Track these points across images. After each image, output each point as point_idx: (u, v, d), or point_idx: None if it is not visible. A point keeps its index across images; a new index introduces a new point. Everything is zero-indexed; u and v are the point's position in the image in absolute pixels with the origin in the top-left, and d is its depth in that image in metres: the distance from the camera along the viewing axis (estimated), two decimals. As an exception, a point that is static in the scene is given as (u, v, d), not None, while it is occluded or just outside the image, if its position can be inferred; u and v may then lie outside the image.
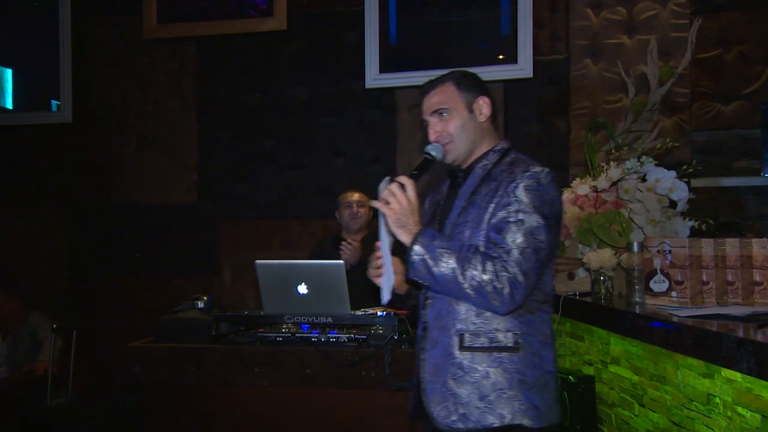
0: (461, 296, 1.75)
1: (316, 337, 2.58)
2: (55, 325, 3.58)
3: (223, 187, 4.12)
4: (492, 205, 1.77)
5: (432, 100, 1.88)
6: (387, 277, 1.95)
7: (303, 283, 2.55)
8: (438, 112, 1.86)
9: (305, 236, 3.91)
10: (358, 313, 2.65)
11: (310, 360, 2.57)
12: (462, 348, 1.78)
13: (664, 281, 2.49)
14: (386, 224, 1.81)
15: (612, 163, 3.02)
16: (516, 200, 1.73)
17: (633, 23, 3.61)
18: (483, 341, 1.78)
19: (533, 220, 1.71)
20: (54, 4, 4.21)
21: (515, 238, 1.69)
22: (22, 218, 4.39)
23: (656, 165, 2.97)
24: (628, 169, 2.97)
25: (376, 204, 1.78)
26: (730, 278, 2.44)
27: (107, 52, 4.27)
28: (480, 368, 1.76)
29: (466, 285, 1.67)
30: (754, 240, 2.44)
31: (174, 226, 4.17)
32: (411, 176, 1.78)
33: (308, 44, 4.03)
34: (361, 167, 3.94)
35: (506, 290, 1.65)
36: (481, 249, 1.73)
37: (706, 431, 2.03)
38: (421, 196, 1.93)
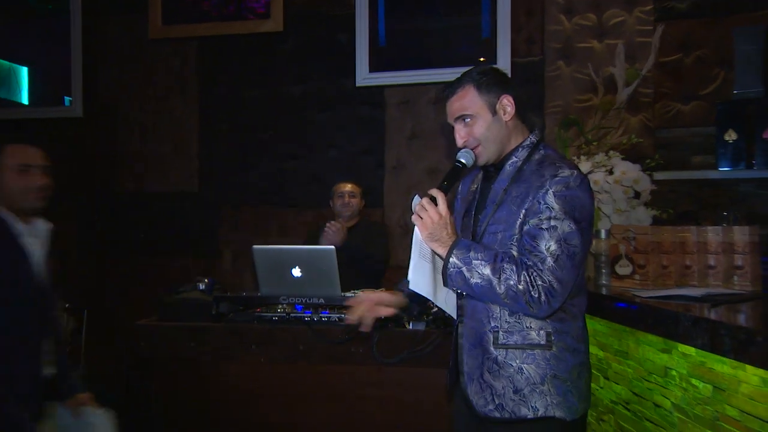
0: (498, 303, 1.73)
1: (309, 317, 2.68)
2: (67, 305, 3.57)
3: (223, 175, 4.15)
4: (523, 211, 1.73)
5: (454, 106, 1.80)
6: (439, 291, 1.89)
7: (297, 267, 2.63)
8: (461, 118, 1.79)
9: (300, 223, 3.92)
10: (348, 294, 2.69)
11: (304, 338, 2.67)
12: (496, 345, 1.77)
13: (628, 265, 2.62)
14: (421, 237, 1.77)
15: (582, 157, 3.17)
16: (547, 207, 1.68)
17: (602, 28, 3.66)
18: (516, 339, 1.76)
19: (565, 226, 1.67)
20: (66, 6, 4.23)
21: (549, 246, 1.66)
22: (34, 211, 4.40)
23: (622, 159, 3.09)
24: (597, 162, 3.10)
25: (413, 219, 1.74)
26: (687, 263, 2.55)
27: (115, 51, 4.31)
28: (514, 364, 1.75)
29: (503, 295, 1.66)
30: (709, 228, 2.52)
31: (177, 211, 4.22)
32: (441, 188, 1.73)
33: (303, 45, 4.05)
34: (352, 159, 3.98)
35: (542, 298, 1.63)
36: (516, 256, 1.70)
37: (663, 401, 2.14)
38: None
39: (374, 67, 3.95)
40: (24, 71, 4.60)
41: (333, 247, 2.67)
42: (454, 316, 1.92)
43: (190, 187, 4.23)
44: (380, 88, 3.96)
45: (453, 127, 1.83)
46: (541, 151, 1.81)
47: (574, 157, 3.26)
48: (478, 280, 1.65)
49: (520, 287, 1.61)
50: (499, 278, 1.63)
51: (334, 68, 4.01)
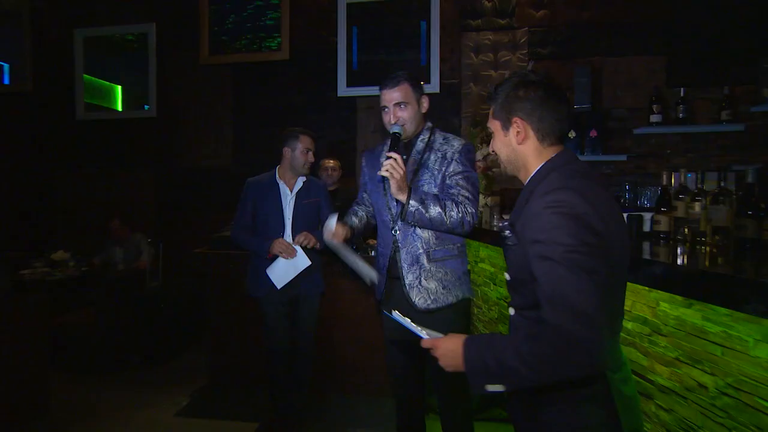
0: (443, 229, 1.82)
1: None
2: (149, 240, 4.28)
3: (248, 155, 4.53)
4: (443, 169, 1.87)
5: (393, 95, 1.89)
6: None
7: None
8: (398, 104, 1.89)
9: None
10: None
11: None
12: (429, 260, 1.91)
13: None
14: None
15: (483, 145, 3.48)
16: (461, 165, 1.87)
17: (496, 63, 4.19)
18: (441, 254, 1.92)
19: (472, 175, 1.87)
20: (144, 43, 4.74)
21: (469, 188, 1.85)
22: (127, 178, 4.85)
23: (509, 145, 3.34)
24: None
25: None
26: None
27: (178, 72, 4.74)
28: (441, 270, 1.92)
29: (448, 222, 1.79)
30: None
31: (216, 179, 4.66)
32: (396, 152, 1.77)
33: (302, 69, 4.48)
34: (335, 145, 4.41)
35: (469, 221, 1.82)
36: (451, 197, 1.84)
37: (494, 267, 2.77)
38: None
39: (350, 84, 4.36)
40: (119, 89, 5.05)
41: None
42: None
43: (225, 163, 4.67)
44: (353, 98, 4.36)
45: (387, 108, 1.89)
46: (437, 133, 1.97)
47: (479, 145, 3.46)
48: (432, 214, 1.78)
49: (459, 216, 1.80)
50: (446, 212, 1.78)
51: (323, 84, 4.42)
